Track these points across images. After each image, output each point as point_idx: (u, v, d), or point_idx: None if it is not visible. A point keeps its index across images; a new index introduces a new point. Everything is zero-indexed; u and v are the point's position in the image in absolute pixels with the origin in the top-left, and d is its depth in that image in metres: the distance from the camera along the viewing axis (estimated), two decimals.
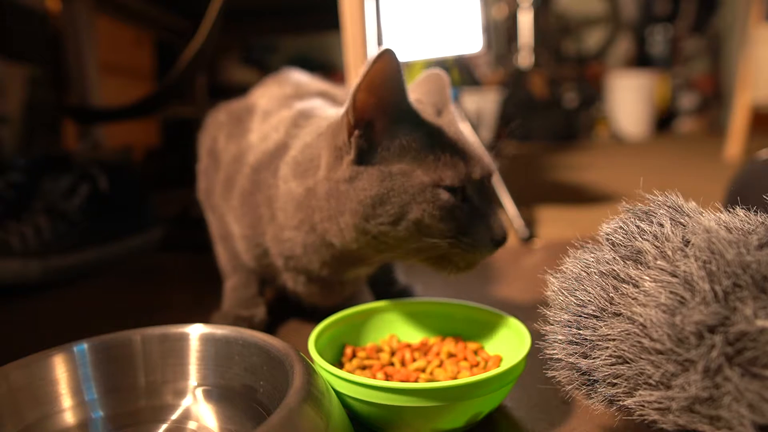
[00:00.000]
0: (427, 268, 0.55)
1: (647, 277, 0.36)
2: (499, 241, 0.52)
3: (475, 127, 1.28)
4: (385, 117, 0.52)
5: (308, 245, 0.59)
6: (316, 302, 0.67)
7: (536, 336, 0.45)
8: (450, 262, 0.54)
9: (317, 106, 0.68)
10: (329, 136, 0.56)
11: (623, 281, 0.37)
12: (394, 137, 0.52)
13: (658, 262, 0.36)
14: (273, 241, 0.62)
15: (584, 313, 0.39)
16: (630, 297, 0.36)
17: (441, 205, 0.50)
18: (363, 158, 0.52)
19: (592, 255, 0.41)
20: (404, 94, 0.52)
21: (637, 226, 0.39)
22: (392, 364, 0.54)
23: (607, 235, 0.41)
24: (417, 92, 0.60)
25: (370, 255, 0.56)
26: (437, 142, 0.52)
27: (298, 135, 0.63)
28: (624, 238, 0.40)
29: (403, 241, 0.52)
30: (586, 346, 0.38)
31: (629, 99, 3.45)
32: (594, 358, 0.37)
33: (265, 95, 0.76)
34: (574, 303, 0.40)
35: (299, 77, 0.81)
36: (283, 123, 0.66)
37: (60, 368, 0.45)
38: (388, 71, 0.49)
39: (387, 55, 0.48)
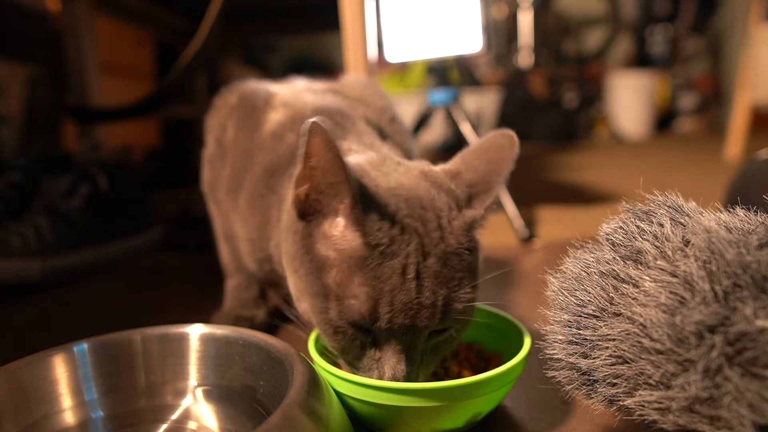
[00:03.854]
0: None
1: (647, 277, 0.36)
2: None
3: (475, 127, 1.28)
4: (333, 190, 0.46)
5: None
6: None
7: (536, 336, 0.45)
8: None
9: (333, 106, 0.66)
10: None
11: (623, 281, 0.37)
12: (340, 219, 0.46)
13: (658, 262, 0.36)
14: (276, 248, 0.60)
15: (584, 313, 0.39)
16: (630, 297, 0.36)
17: (327, 319, 0.45)
18: (303, 213, 0.48)
19: (592, 255, 0.41)
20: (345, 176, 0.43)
21: (637, 226, 0.39)
22: None
23: (607, 235, 0.41)
24: (468, 158, 0.51)
25: None
26: (368, 261, 0.43)
27: None
28: (624, 238, 0.40)
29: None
30: (586, 346, 0.38)
31: (629, 99, 3.45)
32: (594, 358, 0.37)
33: (281, 87, 0.73)
34: (574, 303, 0.40)
35: (304, 82, 0.80)
36: (299, 124, 0.62)
37: (60, 368, 0.45)
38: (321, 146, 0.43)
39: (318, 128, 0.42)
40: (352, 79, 0.80)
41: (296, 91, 0.71)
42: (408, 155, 0.70)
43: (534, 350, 0.46)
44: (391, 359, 0.44)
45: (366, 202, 0.44)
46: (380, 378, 0.44)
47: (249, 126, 0.68)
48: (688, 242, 0.36)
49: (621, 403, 0.37)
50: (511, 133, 0.50)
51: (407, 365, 0.44)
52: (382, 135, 0.67)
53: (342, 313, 0.44)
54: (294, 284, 0.49)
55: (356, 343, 0.45)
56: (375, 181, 0.47)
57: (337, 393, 0.45)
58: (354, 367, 0.46)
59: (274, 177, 0.62)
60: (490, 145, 0.51)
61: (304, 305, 0.48)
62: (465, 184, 0.49)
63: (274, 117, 0.67)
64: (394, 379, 0.43)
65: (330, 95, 0.70)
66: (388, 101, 0.74)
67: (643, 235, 0.39)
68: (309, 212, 0.47)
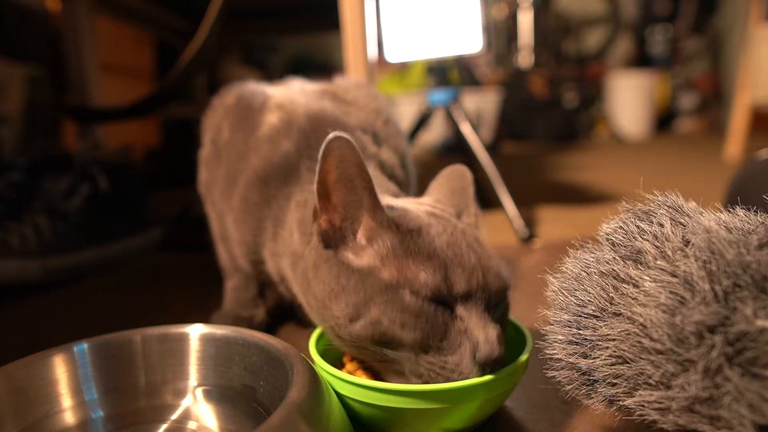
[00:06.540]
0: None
1: (647, 277, 0.36)
2: (484, 362, 0.42)
3: (475, 127, 1.28)
4: (353, 207, 0.47)
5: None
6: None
7: (536, 336, 0.45)
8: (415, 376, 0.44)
9: (327, 112, 0.65)
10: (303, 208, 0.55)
11: (623, 281, 0.37)
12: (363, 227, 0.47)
13: (658, 262, 0.36)
14: (270, 257, 0.61)
15: (584, 313, 0.39)
16: (630, 297, 0.36)
17: (403, 307, 0.42)
18: (328, 243, 0.48)
19: (592, 255, 0.41)
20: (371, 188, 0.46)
21: (637, 226, 0.39)
22: None
23: (607, 235, 0.41)
24: (438, 191, 0.57)
25: None
26: (415, 243, 0.45)
27: (309, 148, 0.61)
28: (624, 238, 0.40)
29: (364, 341, 0.45)
30: (586, 346, 0.38)
31: (629, 99, 3.46)
32: (594, 358, 0.37)
33: (278, 89, 0.73)
34: (574, 303, 0.40)
35: (299, 83, 0.79)
36: (294, 129, 0.63)
37: (60, 368, 0.45)
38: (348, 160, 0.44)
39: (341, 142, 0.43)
40: (345, 81, 0.79)
41: (291, 94, 0.70)
42: (403, 159, 0.69)
43: (534, 350, 0.46)
44: (478, 324, 0.43)
45: (386, 207, 0.47)
46: (476, 349, 0.42)
47: (244, 127, 0.68)
48: (688, 242, 0.36)
49: (621, 403, 0.37)
50: (462, 167, 0.57)
51: (494, 328, 0.43)
52: (377, 139, 0.67)
53: (417, 291, 0.43)
54: (345, 305, 0.45)
55: (439, 320, 0.43)
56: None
57: (338, 394, 0.45)
58: (440, 354, 0.43)
59: (267, 187, 0.61)
60: (449, 176, 0.57)
61: (364, 320, 0.44)
62: (452, 206, 0.54)
63: (270, 119, 0.66)
64: (490, 342, 0.42)
65: (325, 99, 0.70)
66: (381, 102, 0.74)
67: (643, 235, 0.39)
68: (335, 238, 0.47)
